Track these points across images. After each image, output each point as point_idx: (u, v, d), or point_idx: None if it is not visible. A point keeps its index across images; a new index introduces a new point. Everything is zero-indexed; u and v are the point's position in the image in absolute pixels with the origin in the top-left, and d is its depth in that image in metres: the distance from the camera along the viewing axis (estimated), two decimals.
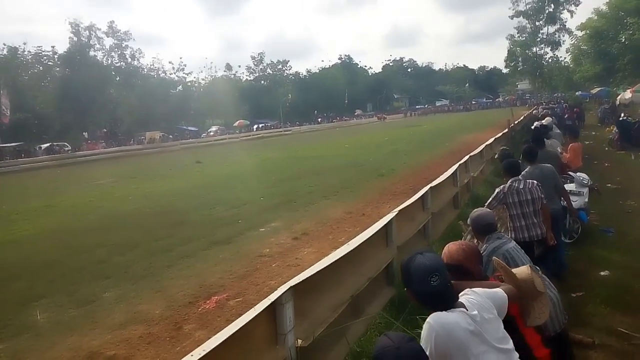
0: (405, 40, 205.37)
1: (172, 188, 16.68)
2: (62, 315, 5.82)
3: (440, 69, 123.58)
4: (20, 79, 57.95)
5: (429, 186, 6.81)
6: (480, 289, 2.28)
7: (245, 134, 62.93)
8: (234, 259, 7.55)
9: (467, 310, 2.06)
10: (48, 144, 47.87)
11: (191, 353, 2.28)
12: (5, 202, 16.58)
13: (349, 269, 4.12)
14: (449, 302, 2.08)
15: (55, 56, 62.83)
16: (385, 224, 4.95)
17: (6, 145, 45.28)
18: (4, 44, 58.85)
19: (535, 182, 4.92)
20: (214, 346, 2.32)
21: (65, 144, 49.61)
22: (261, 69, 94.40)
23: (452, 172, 8.40)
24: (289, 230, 9.15)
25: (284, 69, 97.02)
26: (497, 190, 4.96)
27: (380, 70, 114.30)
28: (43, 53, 62.45)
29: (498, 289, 2.32)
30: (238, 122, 70.29)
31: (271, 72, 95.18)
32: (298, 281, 3.17)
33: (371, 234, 4.54)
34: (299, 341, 3.14)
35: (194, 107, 74.27)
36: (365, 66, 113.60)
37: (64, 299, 6.34)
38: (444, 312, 2.03)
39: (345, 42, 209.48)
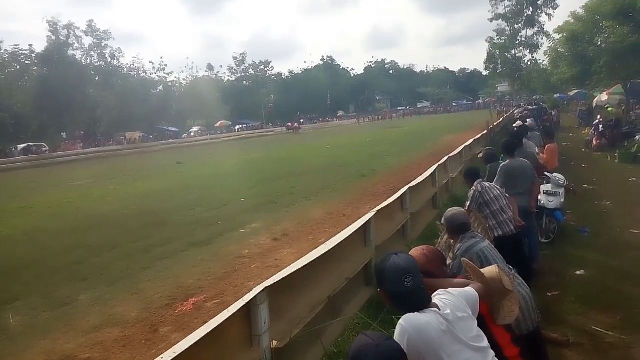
0: (387, 42, 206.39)
1: (151, 189, 16.48)
2: (36, 317, 5.72)
3: (421, 70, 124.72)
4: None
5: (407, 186, 6.85)
6: (454, 289, 2.29)
7: (227, 135, 62.47)
8: (213, 260, 7.50)
9: (440, 309, 2.06)
10: (25, 145, 46.88)
11: (161, 356, 2.23)
12: None
13: (327, 269, 4.11)
14: (421, 303, 2.07)
15: (33, 55, 61.35)
16: (364, 224, 4.96)
17: None
18: None
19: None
20: (185, 348, 2.28)
21: (43, 144, 48.64)
22: (243, 69, 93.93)
23: (431, 172, 8.46)
24: (269, 231, 9.12)
25: (266, 69, 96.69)
26: (470, 192, 5.02)
27: (362, 71, 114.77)
28: (20, 52, 60.89)
29: (469, 288, 2.33)
30: (220, 122, 69.79)
31: (253, 72, 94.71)
32: (273, 282, 3.14)
33: (349, 234, 4.54)
34: (274, 342, 3.12)
35: (175, 107, 73.40)
36: (348, 67, 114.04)
37: (38, 301, 6.23)
38: (415, 313, 2.03)
39: (327, 43, 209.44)
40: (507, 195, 5.09)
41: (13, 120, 52.52)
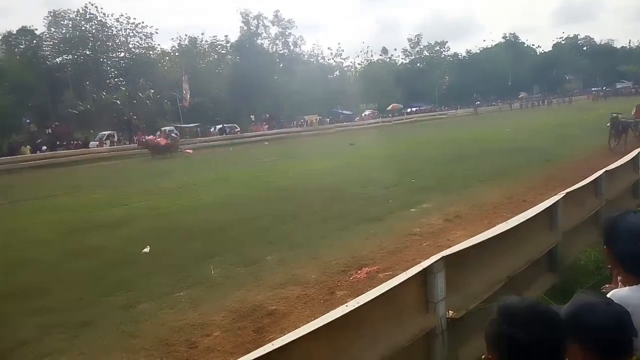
0: (580, 16, 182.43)
1: (327, 167, 17.48)
2: (231, 271, 6.52)
3: (622, 46, 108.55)
4: (199, 66, 64.51)
5: (604, 169, 6.14)
6: None
7: (398, 118, 62.72)
8: (385, 235, 7.67)
9: None
10: (220, 125, 53.01)
11: (346, 304, 2.42)
12: (187, 174, 18.97)
13: (507, 248, 3.92)
14: None
15: (228, 45, 68.88)
16: (550, 206, 4.59)
17: (186, 125, 51.27)
18: (186, 35, 66.32)
19: None
20: (367, 300, 2.43)
21: (235, 125, 54.37)
22: (417, 51, 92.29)
23: (632, 156, 7.43)
24: (440, 212, 9.00)
25: (441, 50, 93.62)
26: None
27: (551, 49, 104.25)
28: (217, 42, 68.91)
29: None
30: (392, 105, 70.06)
31: (428, 54, 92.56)
32: (450, 252, 3.12)
33: (533, 214, 4.26)
34: (450, 312, 3.11)
35: (349, 91, 75.76)
36: (533, 45, 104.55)
37: (233, 258, 7.08)
38: (628, 288, 1.86)
39: (510, 20, 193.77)
40: None
41: (211, 104, 59.81)
